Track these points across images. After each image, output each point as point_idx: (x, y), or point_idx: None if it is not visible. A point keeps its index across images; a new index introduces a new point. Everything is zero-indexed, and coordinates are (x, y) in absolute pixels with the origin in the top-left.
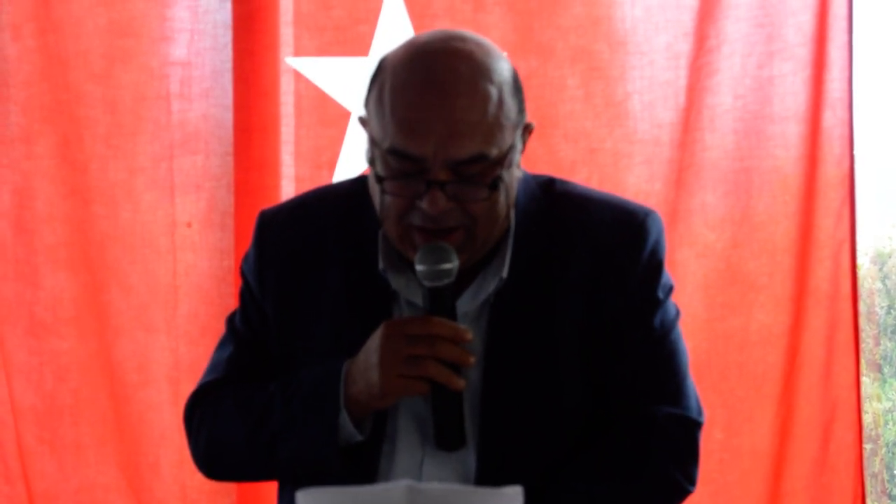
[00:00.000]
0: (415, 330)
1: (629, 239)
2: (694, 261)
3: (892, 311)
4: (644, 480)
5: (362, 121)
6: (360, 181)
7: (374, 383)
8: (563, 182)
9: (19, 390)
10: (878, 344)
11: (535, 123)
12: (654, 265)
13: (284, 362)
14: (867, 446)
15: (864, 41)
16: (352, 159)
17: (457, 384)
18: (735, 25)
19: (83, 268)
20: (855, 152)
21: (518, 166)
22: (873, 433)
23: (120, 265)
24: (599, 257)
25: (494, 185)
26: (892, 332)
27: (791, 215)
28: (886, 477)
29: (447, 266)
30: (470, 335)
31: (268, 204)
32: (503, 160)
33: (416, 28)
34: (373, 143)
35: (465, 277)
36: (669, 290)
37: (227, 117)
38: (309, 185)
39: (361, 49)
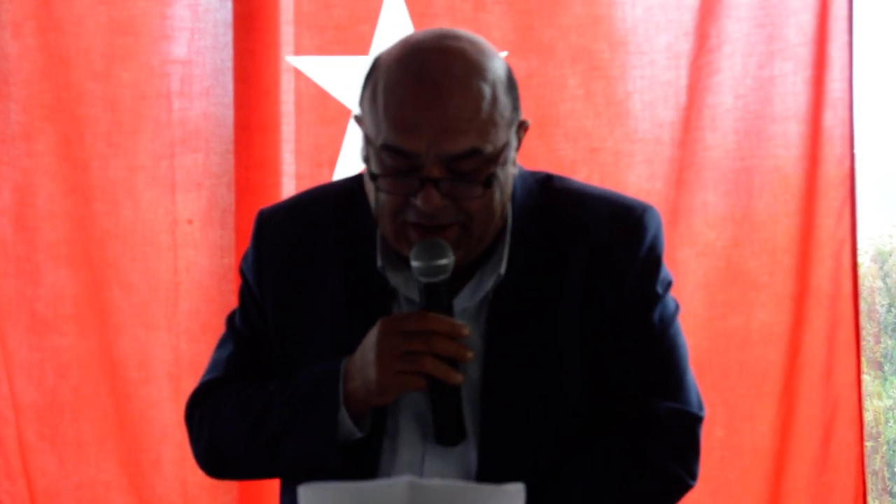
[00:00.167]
0: (411, 326)
1: (627, 234)
2: (695, 260)
3: (892, 309)
4: (645, 475)
5: (358, 119)
6: (358, 179)
7: (371, 380)
8: (560, 178)
9: (20, 387)
10: (878, 342)
11: (535, 123)
12: (653, 260)
13: (284, 361)
14: (868, 444)
15: (864, 41)
16: (352, 157)
17: (454, 379)
18: (736, 25)
19: (84, 265)
20: (855, 152)
21: (514, 163)
22: (874, 431)
23: (121, 262)
24: (598, 253)
25: (489, 182)
26: (893, 331)
27: (792, 214)
28: (887, 475)
29: (442, 262)
30: (467, 330)
31: (268, 201)
32: (497, 157)
33: (416, 27)
34: (367, 141)
35: (464, 274)
36: (668, 284)
37: (228, 115)
38: (309, 183)
39: (362, 48)
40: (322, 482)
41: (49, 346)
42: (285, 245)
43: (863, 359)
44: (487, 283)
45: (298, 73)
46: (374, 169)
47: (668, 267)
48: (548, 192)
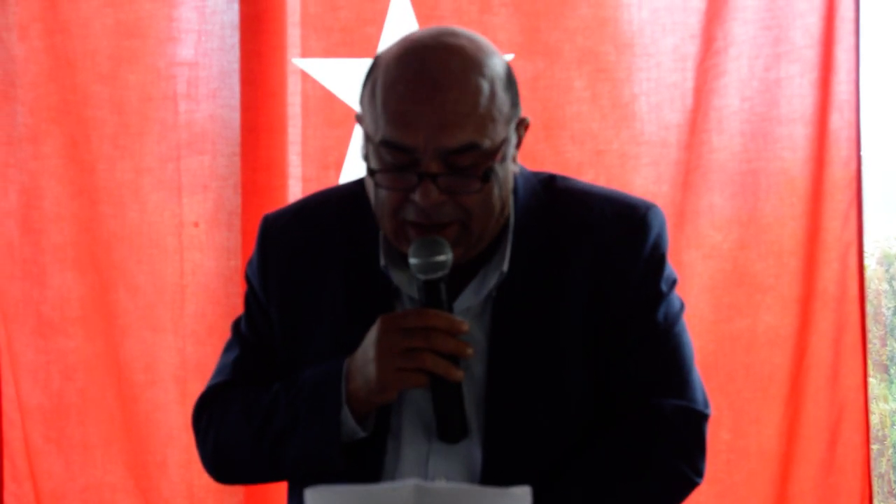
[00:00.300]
0: (410, 323)
1: (631, 233)
2: (701, 262)
3: None
4: (651, 473)
5: (358, 118)
6: (362, 183)
7: (372, 378)
8: (564, 178)
9: (26, 389)
10: (884, 345)
11: (541, 125)
12: (657, 258)
13: (290, 365)
14: (874, 447)
15: (870, 43)
16: (358, 160)
17: (455, 375)
18: (742, 27)
19: (90, 267)
20: (862, 154)
21: (514, 161)
22: (880, 434)
23: (127, 265)
24: (601, 252)
25: (486, 176)
26: None
27: (798, 217)
28: (893, 478)
29: (441, 258)
30: (466, 326)
31: (275, 204)
32: (496, 152)
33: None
34: (367, 138)
35: (467, 273)
36: (673, 283)
37: (235, 118)
38: (316, 186)
39: (368, 50)
40: (328, 485)
41: (55, 348)
42: (290, 249)
43: (869, 362)
44: (491, 280)
45: (305, 76)
46: (373, 165)
47: (675, 269)
48: (551, 191)
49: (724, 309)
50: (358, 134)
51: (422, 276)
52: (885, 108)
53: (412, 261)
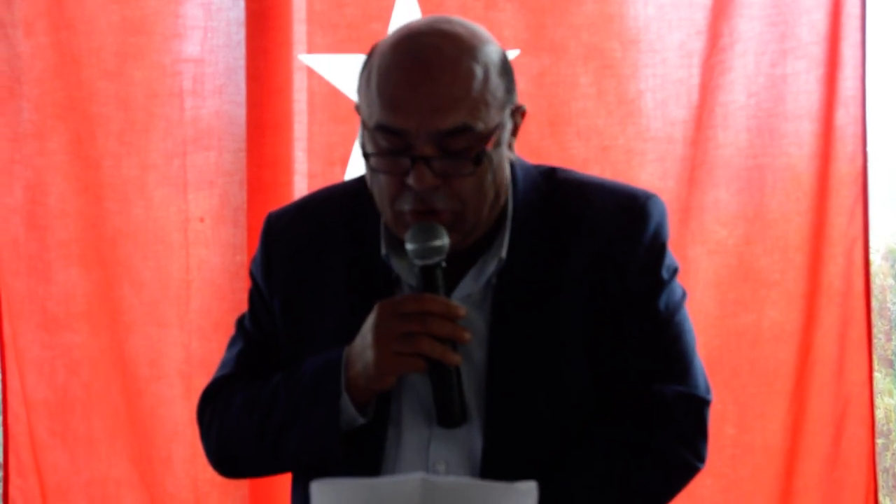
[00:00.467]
0: (407, 307)
1: (631, 222)
2: (706, 258)
3: None
4: (652, 458)
5: (357, 108)
6: (364, 179)
7: (370, 363)
8: (564, 170)
9: (32, 384)
10: (889, 340)
11: (547, 121)
12: (658, 247)
13: (294, 361)
14: (879, 441)
15: (877, 39)
16: None
17: (452, 359)
18: (748, 23)
19: (96, 263)
20: (867, 150)
21: (510, 148)
22: (885, 428)
23: (132, 261)
24: (602, 241)
25: (479, 159)
26: None
27: (804, 212)
28: None
29: (437, 243)
30: (463, 310)
31: (280, 200)
32: (489, 136)
33: None
34: (364, 126)
35: (467, 261)
36: (674, 271)
37: (240, 114)
38: (321, 182)
39: None
40: (334, 478)
41: (60, 343)
42: (293, 246)
43: (874, 357)
44: (489, 267)
45: (311, 72)
46: (369, 150)
47: (680, 265)
48: (551, 183)
49: (730, 304)
50: None
51: (418, 262)
52: (891, 105)
53: (409, 246)
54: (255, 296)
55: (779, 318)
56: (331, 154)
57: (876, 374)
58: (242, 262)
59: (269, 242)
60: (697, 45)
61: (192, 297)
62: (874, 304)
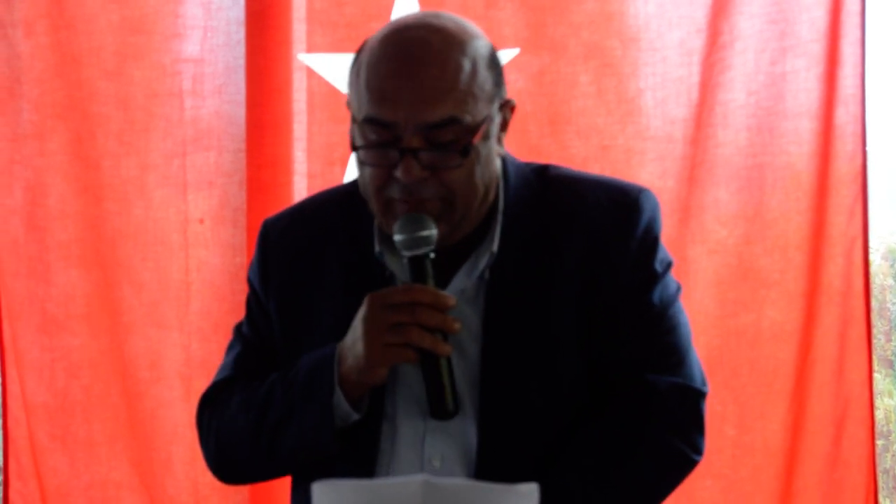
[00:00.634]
0: (396, 299)
1: (623, 217)
2: (706, 257)
3: None
4: (645, 450)
5: (347, 104)
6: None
7: (360, 355)
8: (556, 167)
9: (31, 387)
10: (889, 340)
11: (546, 120)
12: (650, 241)
13: (290, 363)
14: (879, 442)
15: (877, 37)
16: None
17: (442, 349)
18: (748, 22)
19: (95, 264)
20: (867, 149)
21: (500, 143)
22: (885, 429)
23: (132, 262)
24: (595, 236)
25: (466, 151)
26: None
27: (803, 212)
28: None
29: (424, 233)
30: (453, 300)
31: (280, 200)
32: (477, 129)
33: None
34: (353, 120)
35: (459, 257)
36: (668, 265)
37: (240, 114)
38: (321, 182)
39: None
40: (335, 480)
41: (60, 345)
42: (289, 251)
43: (874, 357)
44: (482, 261)
45: (311, 71)
46: (357, 142)
47: (679, 264)
48: (543, 179)
49: (729, 304)
50: None
51: (407, 253)
52: (891, 103)
53: (397, 237)
54: (253, 301)
55: (778, 317)
56: (330, 154)
57: (876, 375)
58: (242, 264)
59: (266, 248)
60: (697, 43)
61: (191, 298)
62: (874, 304)
